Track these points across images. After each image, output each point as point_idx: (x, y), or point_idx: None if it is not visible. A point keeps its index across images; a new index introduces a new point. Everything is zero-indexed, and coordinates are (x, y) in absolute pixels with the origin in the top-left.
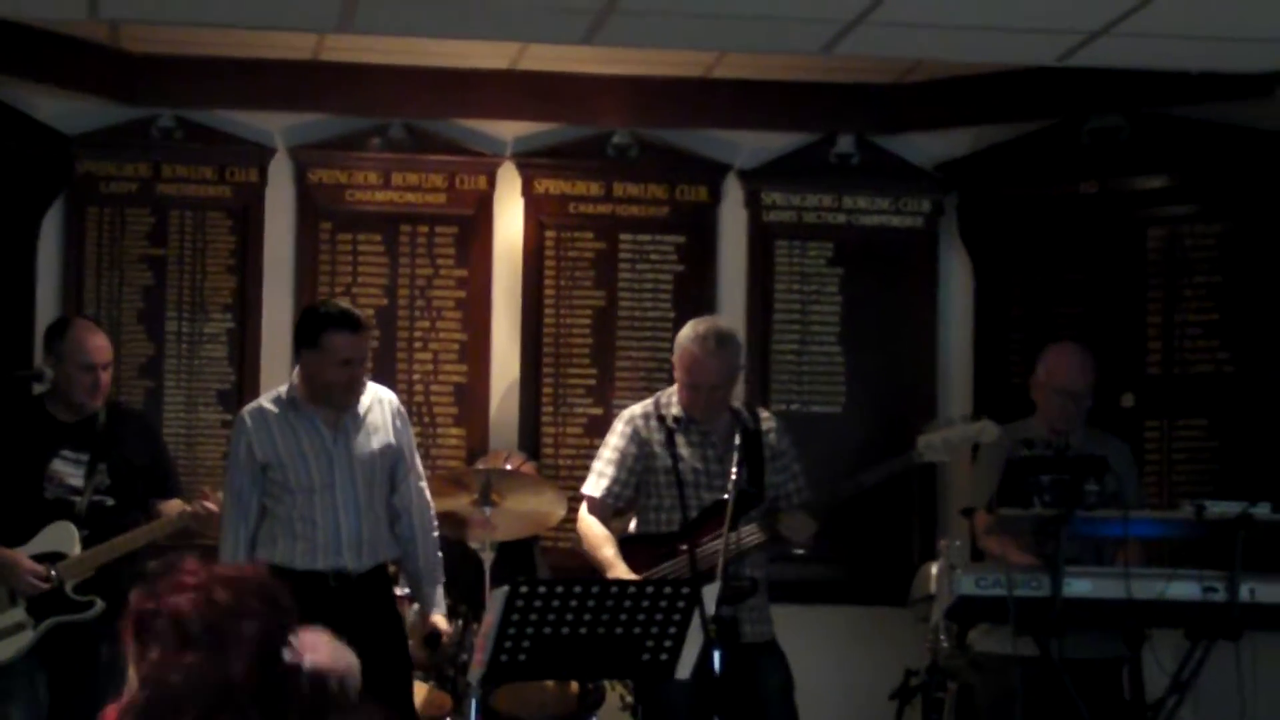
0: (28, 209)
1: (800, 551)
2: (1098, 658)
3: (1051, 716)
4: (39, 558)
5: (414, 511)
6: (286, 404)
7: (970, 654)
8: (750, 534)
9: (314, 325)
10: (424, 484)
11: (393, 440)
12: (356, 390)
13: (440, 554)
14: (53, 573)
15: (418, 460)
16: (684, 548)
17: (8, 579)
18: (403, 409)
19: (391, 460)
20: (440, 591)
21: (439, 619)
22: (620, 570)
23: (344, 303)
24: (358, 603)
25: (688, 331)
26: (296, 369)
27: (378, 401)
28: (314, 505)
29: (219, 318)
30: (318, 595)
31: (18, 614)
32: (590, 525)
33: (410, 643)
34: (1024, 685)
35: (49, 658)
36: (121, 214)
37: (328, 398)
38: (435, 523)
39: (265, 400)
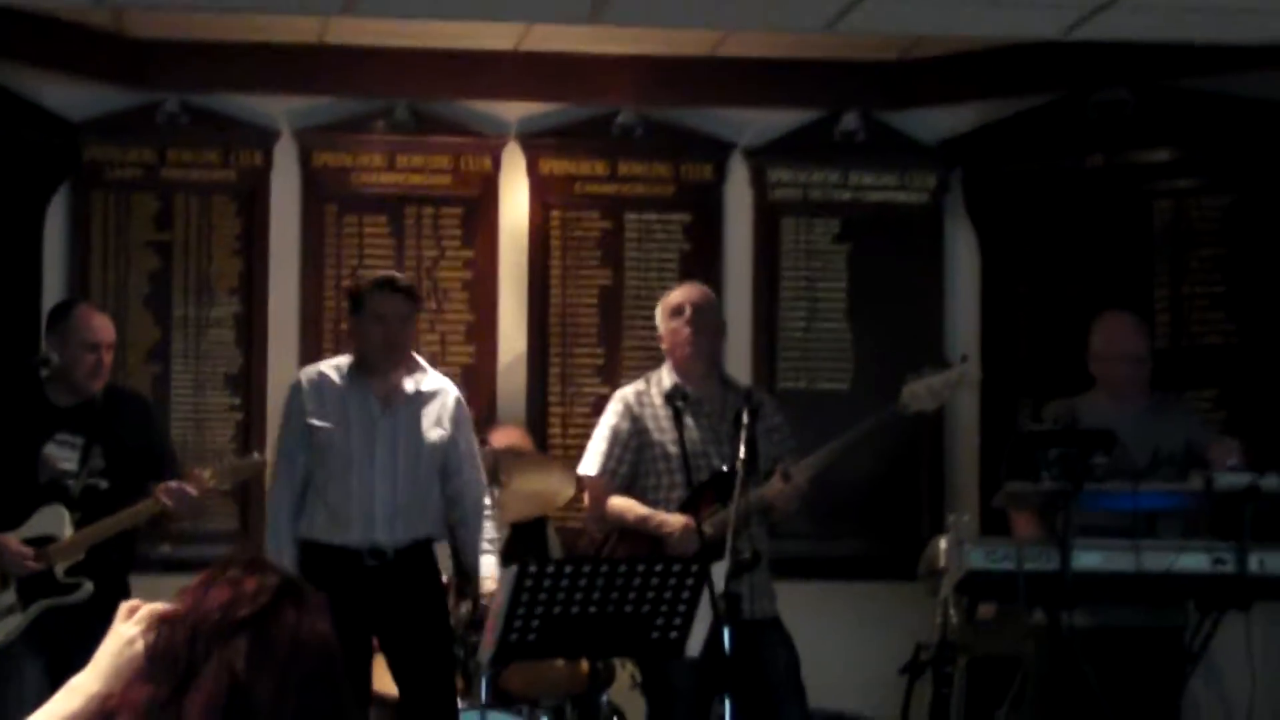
0: (34, 196)
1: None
2: (1154, 626)
3: (1103, 686)
4: (30, 542)
5: (467, 501)
6: (345, 372)
7: (1027, 625)
8: (771, 487)
9: (358, 291)
10: (480, 474)
11: (448, 434)
12: (396, 351)
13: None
14: (44, 554)
15: (476, 453)
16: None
17: None
18: (464, 403)
19: (444, 453)
20: (490, 560)
21: (487, 584)
22: (673, 520)
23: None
24: (395, 583)
25: (663, 302)
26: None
27: (442, 392)
28: (350, 474)
29: (226, 301)
30: (353, 573)
31: (8, 597)
32: (614, 501)
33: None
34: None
35: (45, 642)
36: (127, 199)
37: (371, 359)
38: (487, 508)
39: (324, 365)
